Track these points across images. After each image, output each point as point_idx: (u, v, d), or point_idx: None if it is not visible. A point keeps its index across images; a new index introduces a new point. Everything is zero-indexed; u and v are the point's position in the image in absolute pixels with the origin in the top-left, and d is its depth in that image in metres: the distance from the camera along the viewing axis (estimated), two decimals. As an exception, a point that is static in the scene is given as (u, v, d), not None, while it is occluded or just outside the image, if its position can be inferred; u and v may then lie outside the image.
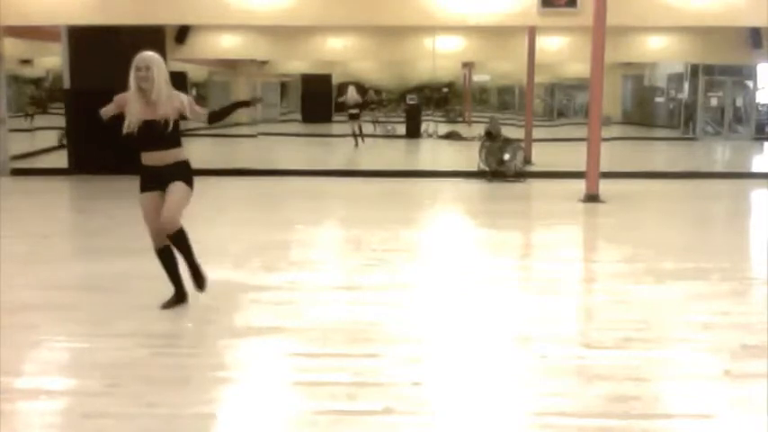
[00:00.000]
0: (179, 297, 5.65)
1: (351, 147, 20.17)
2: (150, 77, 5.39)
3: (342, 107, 21.27)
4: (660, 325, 5.36)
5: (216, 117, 5.79)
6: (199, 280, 5.67)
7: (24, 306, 5.69)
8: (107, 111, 5.60)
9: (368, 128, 22.24)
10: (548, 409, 3.91)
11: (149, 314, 5.52)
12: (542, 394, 4.10)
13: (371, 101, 24.27)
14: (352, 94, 20.83)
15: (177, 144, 5.59)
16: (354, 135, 20.45)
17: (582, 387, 4.20)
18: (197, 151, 19.18)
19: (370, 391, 4.10)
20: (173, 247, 5.57)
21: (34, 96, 16.89)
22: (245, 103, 6.19)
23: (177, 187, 5.52)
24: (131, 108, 5.41)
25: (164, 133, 5.46)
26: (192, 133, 22.94)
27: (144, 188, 5.63)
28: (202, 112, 5.71)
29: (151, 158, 5.56)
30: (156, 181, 5.55)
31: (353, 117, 20.70)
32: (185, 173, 5.60)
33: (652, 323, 5.38)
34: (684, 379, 4.34)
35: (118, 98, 5.52)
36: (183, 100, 5.54)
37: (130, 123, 5.42)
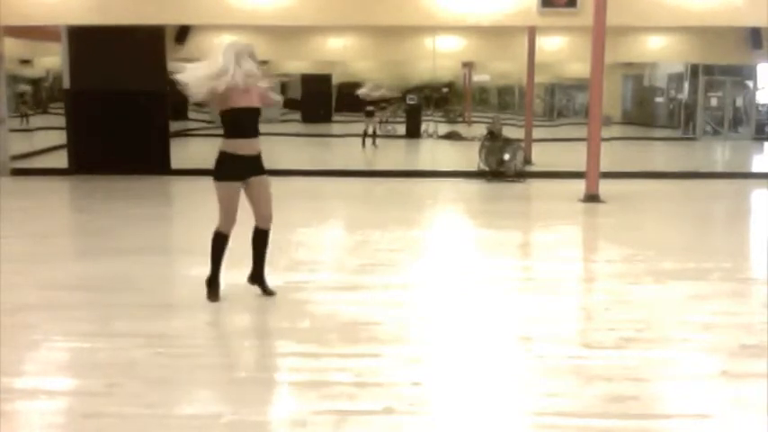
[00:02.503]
0: (213, 278, 5.80)
1: (350, 147, 20.02)
2: (253, 64, 5.54)
3: (360, 103, 20.40)
4: (660, 325, 5.36)
5: (289, 105, 5.99)
6: (261, 283, 5.91)
7: (24, 306, 5.69)
8: (199, 92, 5.57)
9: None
10: (547, 409, 3.91)
11: (149, 314, 5.53)
12: (542, 394, 4.11)
13: (388, 99, 23.71)
14: (371, 89, 19.97)
15: (259, 134, 5.74)
16: (366, 135, 19.66)
17: (581, 387, 4.21)
18: (197, 151, 19.21)
19: (370, 392, 4.11)
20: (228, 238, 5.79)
21: (24, 95, 16.81)
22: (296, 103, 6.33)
23: (269, 183, 5.75)
24: (230, 97, 5.49)
25: (257, 120, 5.64)
26: (192, 133, 22.98)
27: (230, 177, 5.67)
28: (278, 97, 5.96)
29: (244, 147, 5.62)
30: (243, 170, 5.64)
31: (369, 114, 20.06)
32: (263, 166, 5.76)
33: (652, 323, 5.38)
34: (684, 379, 4.34)
35: (211, 97, 5.59)
36: (262, 87, 5.72)
37: (228, 110, 5.54)
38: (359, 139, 20.33)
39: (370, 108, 20.01)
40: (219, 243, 5.82)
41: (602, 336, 5.13)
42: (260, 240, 5.87)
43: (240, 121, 5.56)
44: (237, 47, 5.53)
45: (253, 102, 5.59)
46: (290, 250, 7.78)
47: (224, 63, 5.43)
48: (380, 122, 22.44)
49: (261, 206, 5.76)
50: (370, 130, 19.86)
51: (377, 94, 19.88)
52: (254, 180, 5.68)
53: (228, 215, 5.76)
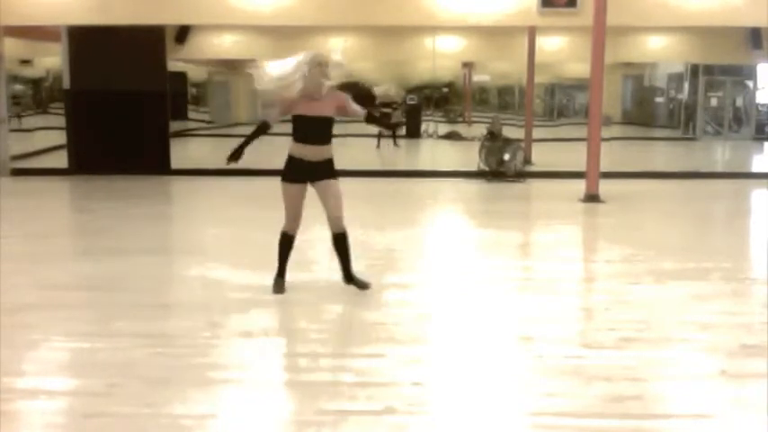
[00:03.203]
0: (280, 276, 5.99)
1: (350, 147, 19.96)
2: (327, 74, 5.63)
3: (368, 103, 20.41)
4: (660, 325, 5.36)
5: (373, 120, 6.07)
6: (353, 280, 5.98)
7: (24, 306, 5.69)
8: (273, 117, 5.83)
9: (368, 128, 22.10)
10: (547, 409, 3.91)
11: (149, 314, 5.53)
12: (542, 394, 4.11)
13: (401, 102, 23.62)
14: (385, 90, 19.99)
15: (330, 141, 5.79)
16: (382, 135, 19.38)
17: (581, 387, 4.20)
18: (197, 151, 19.22)
19: (370, 391, 4.11)
20: (294, 238, 5.91)
21: (16, 96, 16.73)
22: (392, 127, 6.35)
23: (336, 187, 5.80)
24: (299, 104, 5.62)
25: (326, 129, 5.69)
26: (192, 133, 22.96)
27: (293, 179, 5.77)
28: (361, 111, 5.92)
29: (309, 152, 5.72)
30: (306, 174, 5.74)
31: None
32: (333, 170, 5.84)
33: (652, 323, 5.38)
34: (684, 379, 4.34)
35: (280, 101, 5.72)
36: (343, 99, 5.79)
37: (299, 116, 5.66)
38: (359, 140, 20.26)
39: (386, 109, 20.01)
40: (284, 243, 5.98)
41: (602, 336, 5.13)
42: (336, 244, 5.96)
43: (302, 128, 5.69)
44: (317, 58, 5.67)
45: (323, 111, 5.67)
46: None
47: (293, 70, 5.57)
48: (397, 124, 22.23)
49: (328, 209, 5.86)
50: (386, 131, 19.82)
51: (392, 93, 19.94)
52: (320, 184, 5.79)
53: (291, 216, 5.89)
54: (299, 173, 5.74)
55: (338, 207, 5.82)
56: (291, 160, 5.76)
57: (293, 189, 5.78)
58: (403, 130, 23.37)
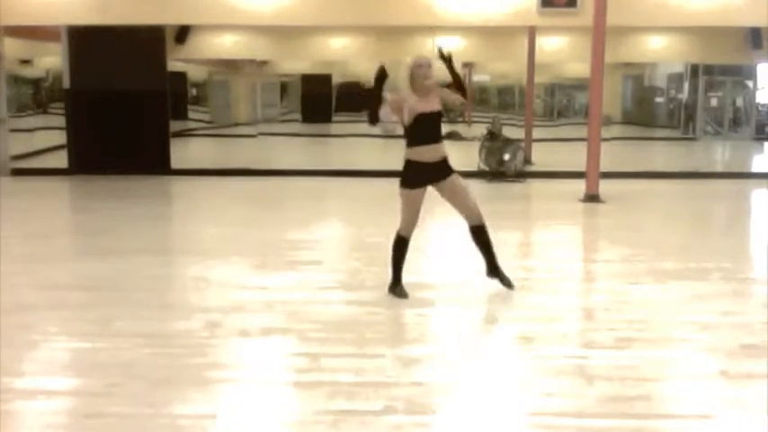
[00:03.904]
0: (397, 282, 5.96)
1: (350, 147, 20.05)
2: (431, 75, 5.72)
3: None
4: (660, 325, 5.36)
5: (463, 89, 5.98)
6: (498, 274, 6.04)
7: (24, 306, 5.69)
8: (387, 115, 5.86)
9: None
10: (547, 410, 3.91)
11: (149, 314, 5.53)
12: (542, 394, 4.11)
13: None
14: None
15: (442, 139, 5.91)
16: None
17: (581, 387, 4.21)
18: (197, 151, 19.22)
19: (370, 391, 4.11)
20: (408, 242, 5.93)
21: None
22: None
23: (459, 181, 5.93)
24: (412, 105, 5.69)
25: (437, 125, 5.80)
26: (192, 133, 22.95)
27: (416, 184, 5.82)
28: (457, 96, 5.94)
29: (429, 153, 5.79)
30: (427, 176, 5.82)
31: None
32: (450, 167, 5.91)
33: (652, 323, 5.38)
34: (684, 379, 4.34)
35: (393, 100, 5.77)
36: (439, 90, 5.86)
37: (413, 118, 5.72)
38: (358, 140, 20.33)
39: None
40: (400, 247, 5.96)
41: (602, 336, 5.13)
42: (477, 237, 6.04)
43: (420, 128, 5.75)
44: (417, 60, 5.78)
45: (433, 107, 5.75)
46: (290, 250, 7.79)
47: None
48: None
49: (460, 206, 5.98)
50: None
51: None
52: (443, 184, 5.86)
53: (411, 220, 5.91)
54: (420, 177, 5.80)
55: (469, 199, 5.97)
56: (411, 165, 5.81)
57: (415, 194, 5.83)
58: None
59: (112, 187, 12.43)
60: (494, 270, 6.08)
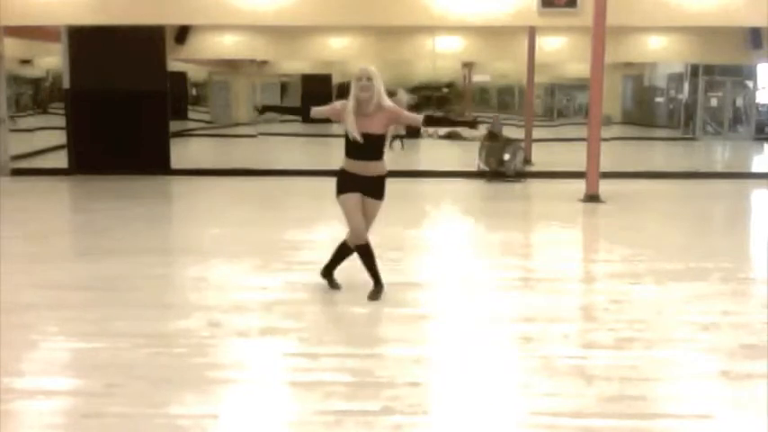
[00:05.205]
0: (378, 287, 5.90)
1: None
2: (370, 88, 5.56)
3: None
4: (660, 325, 5.36)
5: (432, 122, 6.02)
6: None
7: (24, 306, 5.69)
8: (320, 112, 5.81)
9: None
10: (547, 410, 3.91)
11: (149, 314, 5.53)
12: (542, 394, 4.11)
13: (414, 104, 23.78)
14: (402, 98, 20.43)
15: (381, 156, 5.78)
16: (400, 137, 19.59)
17: (581, 387, 4.20)
18: (197, 151, 19.22)
19: (369, 392, 4.11)
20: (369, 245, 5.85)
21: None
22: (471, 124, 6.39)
23: (376, 208, 5.82)
24: (348, 118, 5.57)
25: (370, 146, 5.66)
26: (192, 133, 22.93)
27: (346, 189, 5.76)
28: (417, 118, 5.98)
29: (356, 167, 5.72)
30: (357, 185, 5.73)
31: None
32: (383, 188, 5.82)
33: (652, 323, 5.38)
34: (684, 379, 4.34)
35: (333, 105, 5.71)
36: (395, 113, 5.76)
37: (349, 132, 5.59)
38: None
39: None
40: (360, 254, 5.94)
41: (602, 336, 5.13)
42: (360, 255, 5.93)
43: (355, 143, 5.63)
44: (357, 73, 5.64)
45: (373, 128, 5.62)
46: (290, 250, 7.79)
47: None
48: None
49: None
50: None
51: (409, 99, 20.38)
52: (367, 201, 5.78)
53: (351, 225, 5.86)
54: (349, 185, 5.73)
55: (367, 224, 5.87)
56: (341, 173, 5.79)
57: (346, 198, 5.78)
58: (402, 131, 23.44)
59: (112, 187, 12.43)
60: (328, 271, 6.07)
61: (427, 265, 7.31)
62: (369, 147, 5.64)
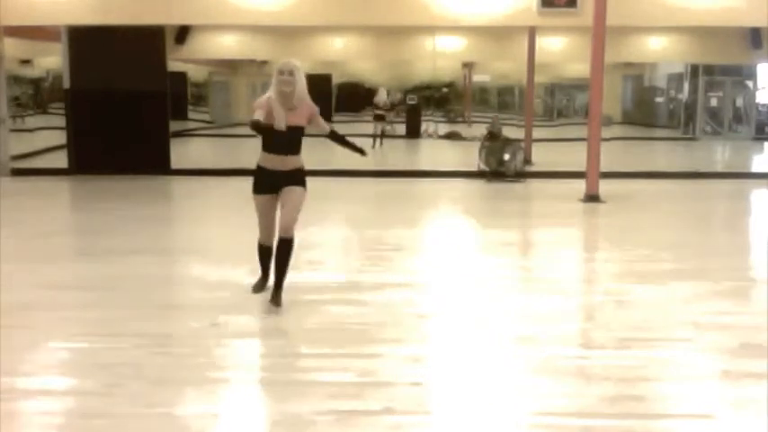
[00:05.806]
0: (264, 280, 6.01)
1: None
2: (292, 82, 5.52)
3: (372, 107, 21.18)
4: (660, 325, 5.36)
5: (335, 138, 6.09)
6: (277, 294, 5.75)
7: (24, 306, 5.69)
8: (258, 116, 5.50)
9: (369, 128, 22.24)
10: (547, 410, 3.91)
11: (149, 314, 5.53)
12: (542, 394, 4.10)
13: (399, 103, 24.01)
14: (381, 97, 20.81)
15: (299, 151, 5.76)
16: (375, 136, 20.08)
17: (582, 387, 4.20)
18: (197, 151, 19.23)
19: (369, 392, 4.10)
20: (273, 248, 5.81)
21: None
22: (360, 152, 6.27)
23: (295, 192, 5.71)
24: (277, 111, 5.48)
25: (293, 139, 5.64)
26: (192, 133, 22.94)
27: (258, 190, 5.81)
28: (326, 126, 5.96)
29: (273, 161, 5.70)
30: (271, 184, 5.73)
31: (379, 118, 20.52)
32: (302, 178, 5.78)
33: (652, 323, 5.38)
34: (684, 379, 4.34)
35: (259, 104, 5.51)
36: (314, 110, 5.75)
37: (279, 124, 5.47)
38: (359, 139, 20.31)
39: (379, 112, 20.61)
40: (260, 252, 6.02)
41: (602, 336, 5.13)
42: (278, 249, 5.76)
43: (273, 136, 5.52)
44: (278, 66, 5.56)
45: (295, 121, 5.57)
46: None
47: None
48: (389, 124, 22.57)
49: (282, 214, 5.75)
50: (379, 132, 20.30)
51: (381, 104, 20.76)
52: (285, 189, 5.72)
53: (261, 226, 5.95)
54: (265, 183, 5.73)
55: (289, 211, 5.67)
56: (258, 170, 5.77)
57: (259, 199, 5.83)
58: (403, 130, 23.49)
59: (112, 187, 12.43)
60: (276, 287, 5.74)
61: (427, 264, 7.31)
62: (291, 139, 5.59)
